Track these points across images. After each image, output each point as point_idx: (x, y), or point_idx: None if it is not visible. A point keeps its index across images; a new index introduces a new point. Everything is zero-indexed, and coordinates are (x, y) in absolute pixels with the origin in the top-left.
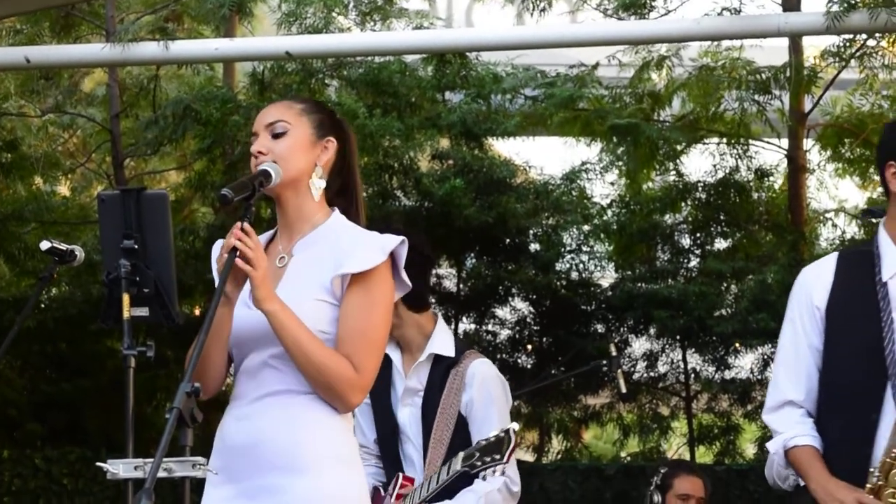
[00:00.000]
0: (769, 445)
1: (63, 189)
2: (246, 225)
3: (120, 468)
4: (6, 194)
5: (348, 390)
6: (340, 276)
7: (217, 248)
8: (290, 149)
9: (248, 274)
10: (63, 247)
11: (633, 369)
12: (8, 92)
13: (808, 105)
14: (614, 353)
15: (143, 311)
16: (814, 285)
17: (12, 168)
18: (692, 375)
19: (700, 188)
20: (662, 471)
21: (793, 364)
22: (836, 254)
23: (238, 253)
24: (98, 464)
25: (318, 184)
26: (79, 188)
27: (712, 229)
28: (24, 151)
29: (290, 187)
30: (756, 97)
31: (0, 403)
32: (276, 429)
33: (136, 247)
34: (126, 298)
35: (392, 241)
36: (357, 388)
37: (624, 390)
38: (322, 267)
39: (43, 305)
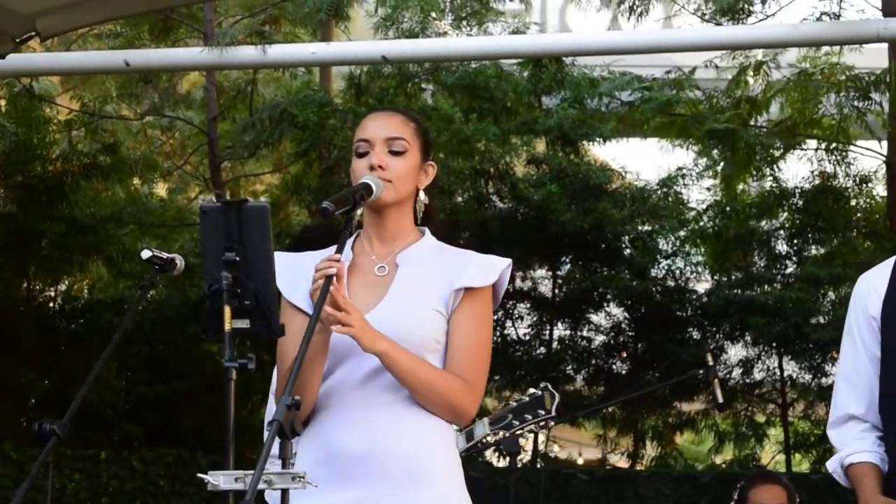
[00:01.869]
0: (828, 465)
1: (160, 191)
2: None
3: (220, 480)
4: (105, 196)
5: (467, 406)
6: (456, 290)
7: (283, 264)
8: (407, 171)
9: (349, 333)
10: (163, 256)
11: (728, 376)
12: (108, 94)
13: None
14: (711, 362)
15: (244, 324)
16: (868, 295)
17: (111, 171)
18: (788, 382)
19: (797, 194)
20: (739, 485)
21: (853, 377)
22: (892, 260)
23: (331, 317)
24: (199, 475)
25: (421, 207)
26: (176, 190)
27: (809, 235)
28: (122, 154)
29: (396, 205)
30: (855, 102)
31: (97, 405)
32: (390, 438)
33: (238, 259)
34: (227, 311)
35: (502, 263)
36: (473, 402)
37: (721, 400)
38: (435, 280)
39: (140, 308)
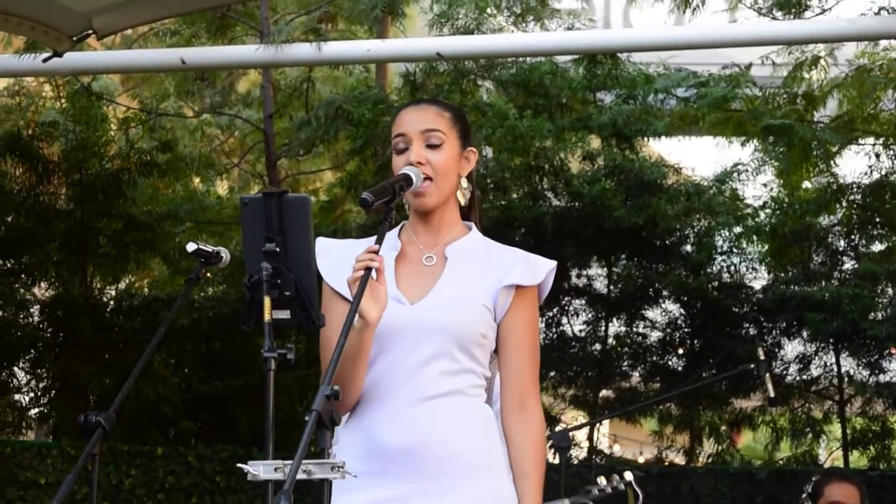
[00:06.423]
0: None
1: (221, 189)
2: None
3: (260, 469)
4: (162, 194)
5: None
6: (505, 287)
7: (325, 248)
8: (446, 163)
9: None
10: (209, 248)
11: (785, 372)
12: (167, 92)
13: None
14: (762, 357)
15: (284, 314)
16: None
17: (168, 168)
18: (846, 379)
19: (855, 189)
20: (814, 479)
21: None
22: None
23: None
24: (239, 465)
25: (465, 193)
26: (237, 188)
27: (867, 231)
28: (178, 152)
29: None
30: None
31: (155, 401)
32: (436, 434)
33: (278, 250)
34: (267, 301)
35: (548, 265)
36: (539, 409)
37: (772, 394)
38: (484, 274)
39: (197, 304)
